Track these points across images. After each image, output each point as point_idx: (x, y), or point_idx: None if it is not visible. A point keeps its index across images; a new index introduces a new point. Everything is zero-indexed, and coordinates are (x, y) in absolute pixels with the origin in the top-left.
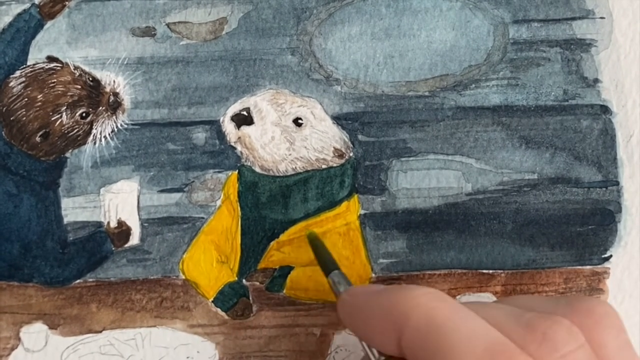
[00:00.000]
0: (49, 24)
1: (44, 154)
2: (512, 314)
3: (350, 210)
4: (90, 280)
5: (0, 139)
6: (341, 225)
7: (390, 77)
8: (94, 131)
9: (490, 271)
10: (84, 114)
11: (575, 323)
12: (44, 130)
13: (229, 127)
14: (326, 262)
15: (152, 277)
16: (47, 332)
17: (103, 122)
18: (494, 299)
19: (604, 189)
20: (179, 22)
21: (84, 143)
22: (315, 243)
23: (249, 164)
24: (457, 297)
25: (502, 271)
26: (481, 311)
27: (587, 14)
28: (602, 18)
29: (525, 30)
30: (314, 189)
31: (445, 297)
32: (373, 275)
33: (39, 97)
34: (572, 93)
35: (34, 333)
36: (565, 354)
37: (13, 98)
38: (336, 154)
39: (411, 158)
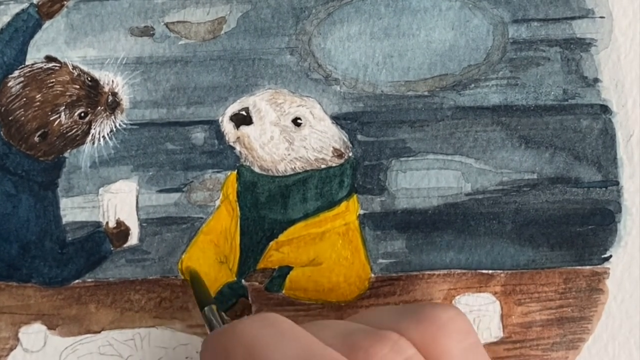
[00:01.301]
0: (47, 23)
1: (42, 154)
2: (342, 333)
3: (350, 210)
4: (89, 280)
5: None
6: (340, 225)
7: (390, 77)
8: (92, 131)
9: (490, 271)
10: (82, 114)
11: (416, 333)
12: (42, 130)
13: (227, 127)
14: (201, 297)
15: (151, 277)
16: (45, 332)
17: (102, 122)
18: (494, 299)
19: (604, 188)
20: (178, 22)
21: (83, 143)
22: (193, 278)
23: (248, 163)
24: (457, 297)
25: (501, 271)
26: (313, 332)
27: (586, 13)
28: (602, 17)
29: (525, 30)
30: (313, 189)
31: (272, 321)
32: (372, 275)
33: (37, 97)
34: (572, 93)
35: (33, 333)
36: None
37: (11, 98)
38: (335, 154)
39: (410, 158)
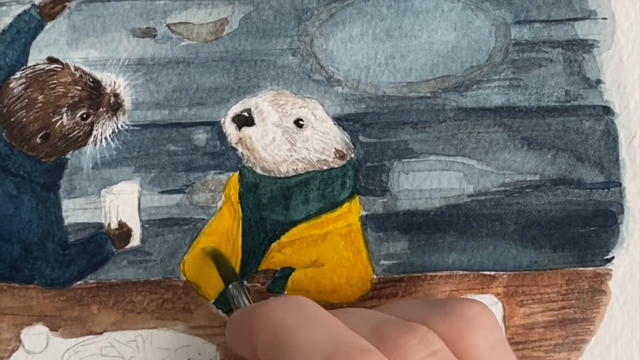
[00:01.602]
0: (49, 25)
1: (44, 155)
2: (370, 322)
3: (352, 212)
4: (91, 281)
5: (0, 141)
6: (342, 226)
7: (392, 78)
8: (94, 132)
9: (492, 273)
10: (84, 115)
11: (443, 327)
12: (44, 131)
13: (229, 128)
14: (225, 274)
15: (153, 279)
16: (47, 333)
17: (104, 123)
18: (496, 300)
19: (606, 190)
20: (180, 23)
21: (85, 144)
22: (215, 255)
23: (250, 165)
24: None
25: (503, 272)
26: (341, 319)
27: (589, 14)
28: (604, 19)
29: (527, 31)
30: (315, 190)
31: (299, 305)
32: (374, 276)
33: (39, 98)
34: (574, 94)
35: (35, 335)
36: None
37: (13, 99)
38: (337, 155)
39: (412, 159)
